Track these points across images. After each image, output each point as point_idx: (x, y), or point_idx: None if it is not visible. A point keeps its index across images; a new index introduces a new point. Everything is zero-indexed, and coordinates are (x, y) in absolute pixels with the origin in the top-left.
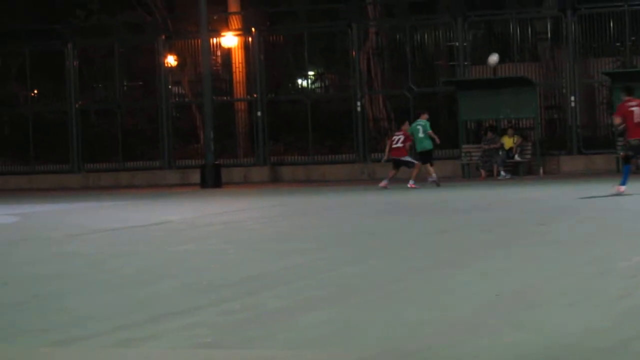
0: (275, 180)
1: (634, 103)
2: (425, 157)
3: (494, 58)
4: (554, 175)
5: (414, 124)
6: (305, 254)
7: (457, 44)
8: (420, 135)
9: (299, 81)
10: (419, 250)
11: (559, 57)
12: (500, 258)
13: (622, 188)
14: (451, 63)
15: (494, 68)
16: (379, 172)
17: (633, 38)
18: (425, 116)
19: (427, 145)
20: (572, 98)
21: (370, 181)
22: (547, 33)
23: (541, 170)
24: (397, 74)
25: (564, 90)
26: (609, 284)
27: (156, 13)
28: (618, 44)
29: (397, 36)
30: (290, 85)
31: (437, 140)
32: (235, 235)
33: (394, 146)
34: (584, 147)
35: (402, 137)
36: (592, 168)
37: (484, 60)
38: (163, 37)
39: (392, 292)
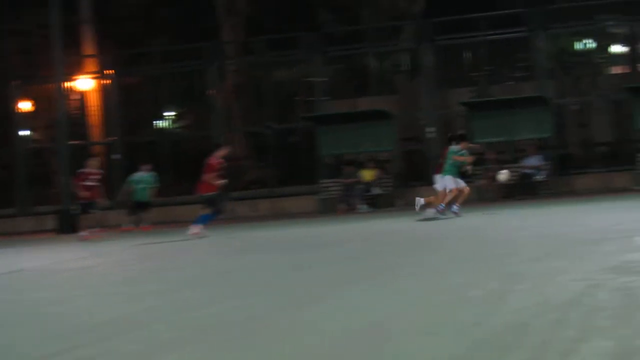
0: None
1: None
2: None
3: (503, 175)
4: (413, 206)
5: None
6: (161, 296)
7: (316, 79)
8: (140, 186)
9: (158, 122)
10: (277, 288)
11: (416, 88)
12: (359, 291)
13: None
14: (310, 99)
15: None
16: (239, 210)
17: (489, 68)
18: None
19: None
20: (430, 129)
21: (230, 220)
22: (404, 65)
23: (400, 202)
24: (257, 112)
25: (422, 122)
26: (463, 311)
27: (9, 58)
28: (474, 74)
29: (256, 73)
30: (149, 126)
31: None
32: (90, 281)
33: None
34: None
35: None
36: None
37: (343, 95)
38: (16, 82)
39: (250, 331)
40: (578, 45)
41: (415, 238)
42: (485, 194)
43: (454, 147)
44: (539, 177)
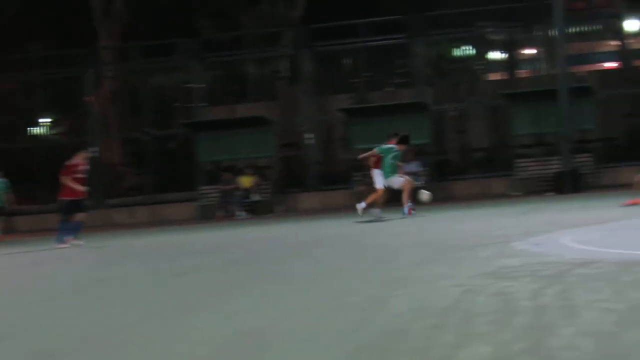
0: (8, 232)
1: None
2: None
3: (425, 196)
4: (292, 213)
5: None
6: (36, 306)
7: (194, 85)
8: None
9: (34, 129)
10: (156, 295)
11: (295, 95)
12: (238, 298)
13: None
14: (189, 105)
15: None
16: (116, 218)
17: (367, 74)
18: None
19: None
20: (309, 135)
21: (107, 227)
22: (283, 72)
23: (279, 209)
24: (135, 118)
25: (301, 128)
26: (342, 318)
27: None
28: (353, 80)
29: (134, 80)
30: (24, 133)
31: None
32: None
33: None
34: (322, 183)
35: None
36: (330, 204)
37: (222, 101)
38: None
39: (127, 339)
40: (456, 52)
41: (295, 244)
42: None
43: (391, 146)
44: (418, 183)
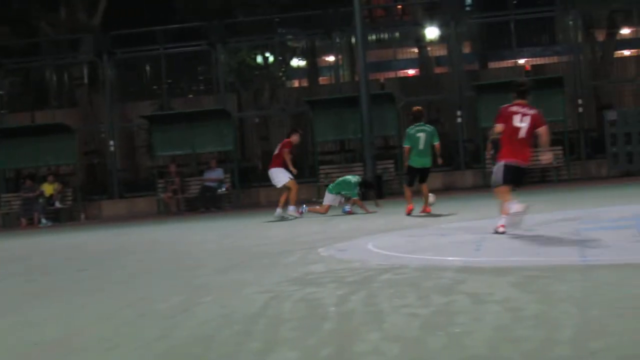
0: None
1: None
2: None
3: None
4: (97, 220)
5: None
6: None
7: None
8: None
9: None
10: None
11: (97, 102)
12: (41, 307)
13: None
14: None
15: None
16: None
17: (169, 81)
18: None
19: None
20: (112, 142)
21: None
22: (84, 78)
23: (83, 216)
24: None
25: (103, 135)
26: (149, 325)
27: None
28: (155, 87)
29: None
30: None
31: None
32: None
33: None
34: (125, 190)
35: None
36: (134, 211)
37: (22, 108)
38: None
39: None
40: (258, 59)
41: (100, 252)
42: (168, 207)
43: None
44: (222, 190)
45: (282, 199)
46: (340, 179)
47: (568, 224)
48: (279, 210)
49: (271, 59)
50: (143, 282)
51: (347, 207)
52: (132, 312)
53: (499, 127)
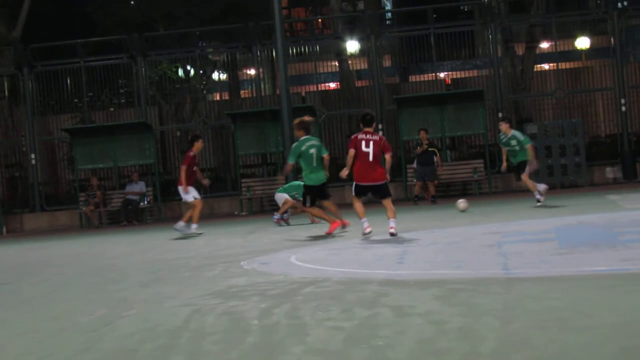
0: None
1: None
2: None
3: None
4: (18, 233)
5: None
6: None
7: None
8: None
9: None
10: None
11: (17, 114)
12: None
13: None
14: None
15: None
16: None
17: (90, 94)
18: None
19: None
20: (33, 156)
21: None
22: (4, 91)
23: (4, 230)
24: None
25: (24, 148)
26: (71, 339)
27: None
28: (76, 100)
29: None
30: None
31: None
32: None
33: None
34: (47, 204)
35: None
36: (56, 224)
37: None
38: None
39: None
40: (179, 72)
41: (22, 265)
42: (90, 221)
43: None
44: (144, 204)
45: (188, 215)
46: (289, 183)
47: (490, 236)
48: (180, 224)
49: (192, 72)
50: (65, 295)
51: (276, 216)
52: (55, 325)
53: (351, 152)
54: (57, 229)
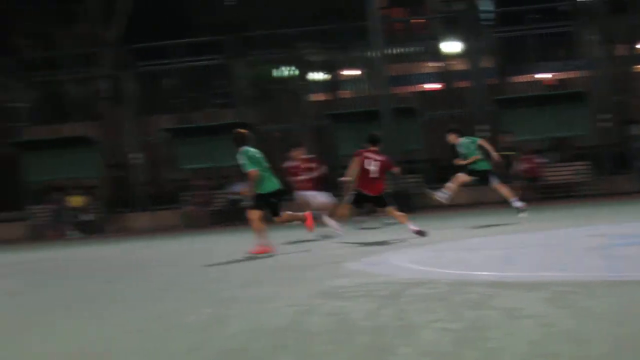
0: None
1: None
2: None
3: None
4: (122, 232)
5: None
6: None
7: (17, 105)
8: None
9: None
10: None
11: (119, 115)
12: (68, 318)
13: None
14: (11, 124)
15: None
16: None
17: (188, 94)
18: None
19: None
20: (136, 155)
21: None
22: (106, 92)
23: (109, 228)
24: None
25: (127, 148)
26: (178, 338)
27: None
28: (175, 100)
29: None
30: None
31: None
32: None
33: None
34: (150, 203)
35: None
36: (159, 223)
37: (45, 121)
38: None
39: None
40: (277, 73)
41: (127, 264)
42: (193, 220)
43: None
44: (245, 203)
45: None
46: None
47: (595, 239)
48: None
49: (290, 72)
50: (170, 294)
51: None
52: (163, 324)
53: (357, 163)
54: (160, 228)
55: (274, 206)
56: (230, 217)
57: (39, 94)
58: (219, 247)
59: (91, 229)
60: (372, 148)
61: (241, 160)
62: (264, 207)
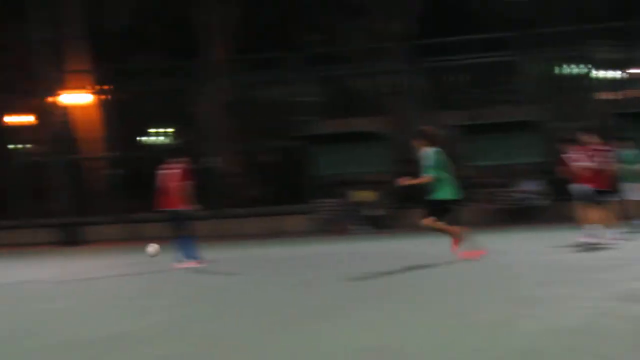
0: (133, 238)
1: None
2: None
3: (150, 250)
4: (410, 228)
5: None
6: (167, 311)
7: (306, 99)
8: None
9: (149, 138)
10: (284, 305)
11: (405, 109)
12: (360, 311)
13: None
14: (300, 118)
15: None
16: (225, 229)
17: (476, 91)
18: None
19: None
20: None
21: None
22: (394, 86)
23: (398, 224)
24: (248, 130)
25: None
26: (471, 335)
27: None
28: (460, 96)
29: (246, 92)
30: (140, 141)
31: None
32: (98, 293)
33: None
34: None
35: None
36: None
37: (333, 115)
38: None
39: (259, 346)
40: (566, 70)
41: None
42: (488, 217)
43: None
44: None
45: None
46: None
47: None
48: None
49: (578, 70)
50: (462, 291)
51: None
52: (455, 321)
53: None
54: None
55: (445, 212)
56: (517, 215)
57: (327, 88)
58: (510, 246)
59: (381, 224)
60: None
61: (426, 161)
62: (439, 213)
